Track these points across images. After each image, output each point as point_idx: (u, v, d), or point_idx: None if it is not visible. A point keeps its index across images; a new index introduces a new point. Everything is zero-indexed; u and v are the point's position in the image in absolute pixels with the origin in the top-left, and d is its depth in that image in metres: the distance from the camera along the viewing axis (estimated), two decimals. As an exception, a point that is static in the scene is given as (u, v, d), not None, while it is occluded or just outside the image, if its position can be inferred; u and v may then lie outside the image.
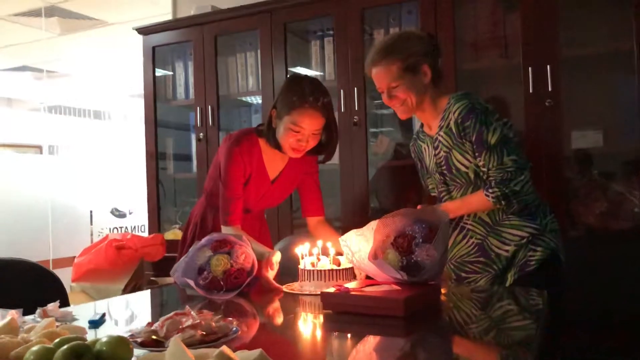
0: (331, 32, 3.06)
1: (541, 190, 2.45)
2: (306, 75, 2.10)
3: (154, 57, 3.46)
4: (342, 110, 2.93)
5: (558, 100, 2.49)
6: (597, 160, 2.64)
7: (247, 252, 1.73)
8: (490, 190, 1.74)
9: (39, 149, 6.48)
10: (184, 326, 1.08)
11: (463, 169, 1.82)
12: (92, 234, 4.01)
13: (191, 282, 1.64)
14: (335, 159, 2.96)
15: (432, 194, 2.07)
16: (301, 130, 1.93)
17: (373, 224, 1.53)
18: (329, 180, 3.21)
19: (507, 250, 1.80)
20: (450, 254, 1.88)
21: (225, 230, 2.00)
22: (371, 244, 1.52)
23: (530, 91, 2.53)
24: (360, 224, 1.64)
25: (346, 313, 1.38)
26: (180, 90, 3.51)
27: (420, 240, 1.45)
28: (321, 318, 1.43)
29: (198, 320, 1.09)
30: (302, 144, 1.96)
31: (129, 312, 1.71)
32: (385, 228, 1.52)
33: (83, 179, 4.29)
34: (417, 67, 1.84)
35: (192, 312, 1.11)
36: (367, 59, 1.93)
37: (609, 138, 2.58)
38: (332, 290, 1.42)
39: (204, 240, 1.76)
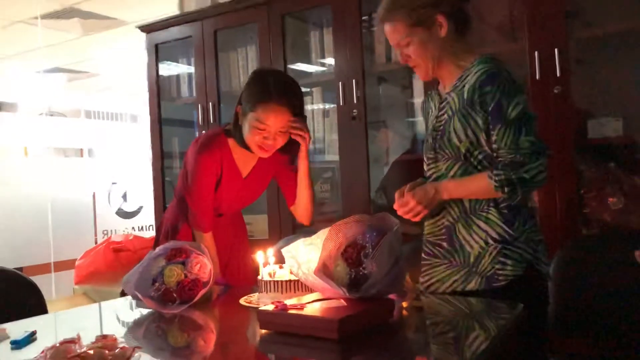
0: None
1: (552, 184, 2.26)
2: (272, 69, 1.96)
3: (157, 54, 3.39)
4: (342, 103, 2.78)
5: (567, 87, 2.26)
6: (615, 150, 2.39)
7: (203, 261, 1.62)
8: (495, 172, 1.48)
9: (79, 151, 6.53)
10: (70, 356, 0.96)
11: (455, 141, 1.57)
12: (96, 235, 4.02)
13: (139, 295, 1.53)
14: (335, 154, 2.90)
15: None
16: (266, 128, 1.79)
17: (323, 232, 1.38)
18: (330, 176, 3.10)
19: (471, 247, 1.57)
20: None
21: (198, 235, 1.94)
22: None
23: (537, 77, 2.30)
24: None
25: (284, 333, 1.24)
26: (185, 88, 3.44)
27: (371, 250, 1.28)
28: (257, 338, 1.29)
29: (85, 349, 0.97)
30: (268, 142, 1.82)
31: (80, 326, 1.62)
32: (337, 236, 1.36)
33: (100, 180, 4.34)
34: (429, 20, 1.59)
35: (81, 340, 1.00)
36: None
37: (630, 126, 2.32)
38: (270, 307, 1.28)
39: (159, 249, 1.65)
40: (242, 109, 1.84)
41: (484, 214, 1.57)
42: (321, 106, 3.05)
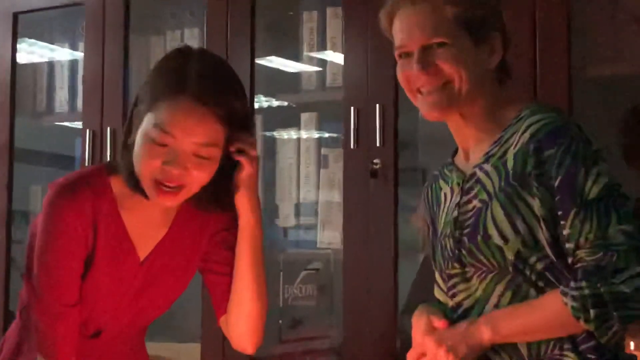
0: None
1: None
2: (199, 47, 2.14)
3: (14, 31, 3.36)
4: (354, 146, 2.68)
5: None
6: None
7: None
8: (573, 285, 1.54)
9: None
10: None
11: (498, 240, 1.65)
12: None
13: None
14: (335, 232, 2.87)
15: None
16: (170, 141, 1.70)
17: None
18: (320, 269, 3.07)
19: None
20: None
21: None
22: None
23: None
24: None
25: None
26: (62, 95, 3.39)
27: None
28: None
29: None
30: (173, 171, 1.70)
31: None
32: None
33: None
34: (485, 32, 1.74)
35: None
36: None
37: None
38: None
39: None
40: (137, 111, 1.80)
41: None
42: (312, 144, 2.99)
